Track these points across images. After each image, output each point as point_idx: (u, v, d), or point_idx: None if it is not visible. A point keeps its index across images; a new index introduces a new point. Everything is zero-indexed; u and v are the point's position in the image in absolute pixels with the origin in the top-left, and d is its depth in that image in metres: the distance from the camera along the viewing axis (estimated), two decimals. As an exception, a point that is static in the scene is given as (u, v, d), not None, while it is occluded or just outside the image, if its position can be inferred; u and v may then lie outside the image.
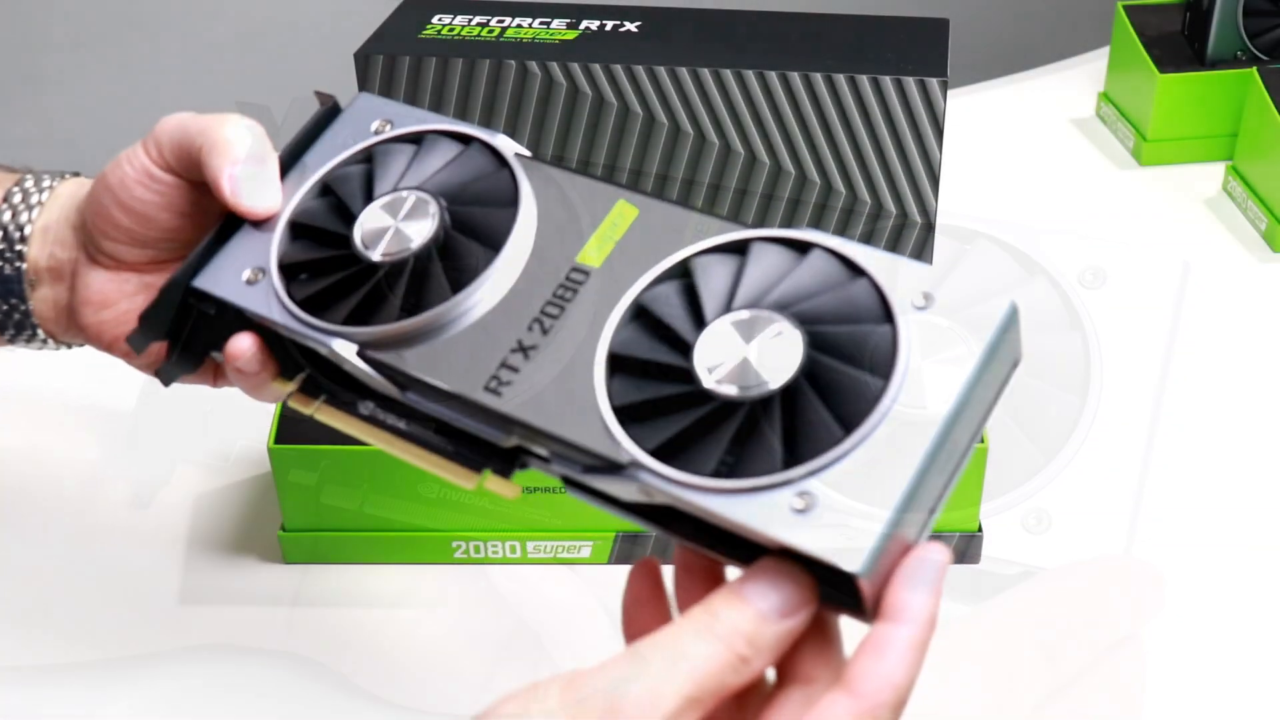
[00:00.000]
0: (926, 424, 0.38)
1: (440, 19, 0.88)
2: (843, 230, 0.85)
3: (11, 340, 0.56)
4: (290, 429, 0.68)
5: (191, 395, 0.84)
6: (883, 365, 0.39)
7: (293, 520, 0.70)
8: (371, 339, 0.45)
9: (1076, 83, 1.19)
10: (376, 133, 0.50)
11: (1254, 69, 0.99)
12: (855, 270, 0.41)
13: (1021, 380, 0.39)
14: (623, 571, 0.72)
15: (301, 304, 0.46)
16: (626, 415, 0.41)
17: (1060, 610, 0.68)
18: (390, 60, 0.83)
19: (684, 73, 0.81)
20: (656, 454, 0.40)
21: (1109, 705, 0.63)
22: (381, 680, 0.66)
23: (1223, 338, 0.88)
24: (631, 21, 0.87)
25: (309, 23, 1.67)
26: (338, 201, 0.48)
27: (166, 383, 0.52)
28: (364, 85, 0.84)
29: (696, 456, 0.39)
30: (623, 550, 0.70)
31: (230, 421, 0.81)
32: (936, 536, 0.69)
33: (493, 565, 0.71)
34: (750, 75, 0.81)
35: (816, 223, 0.85)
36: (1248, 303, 0.91)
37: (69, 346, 0.57)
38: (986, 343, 0.40)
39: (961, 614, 0.68)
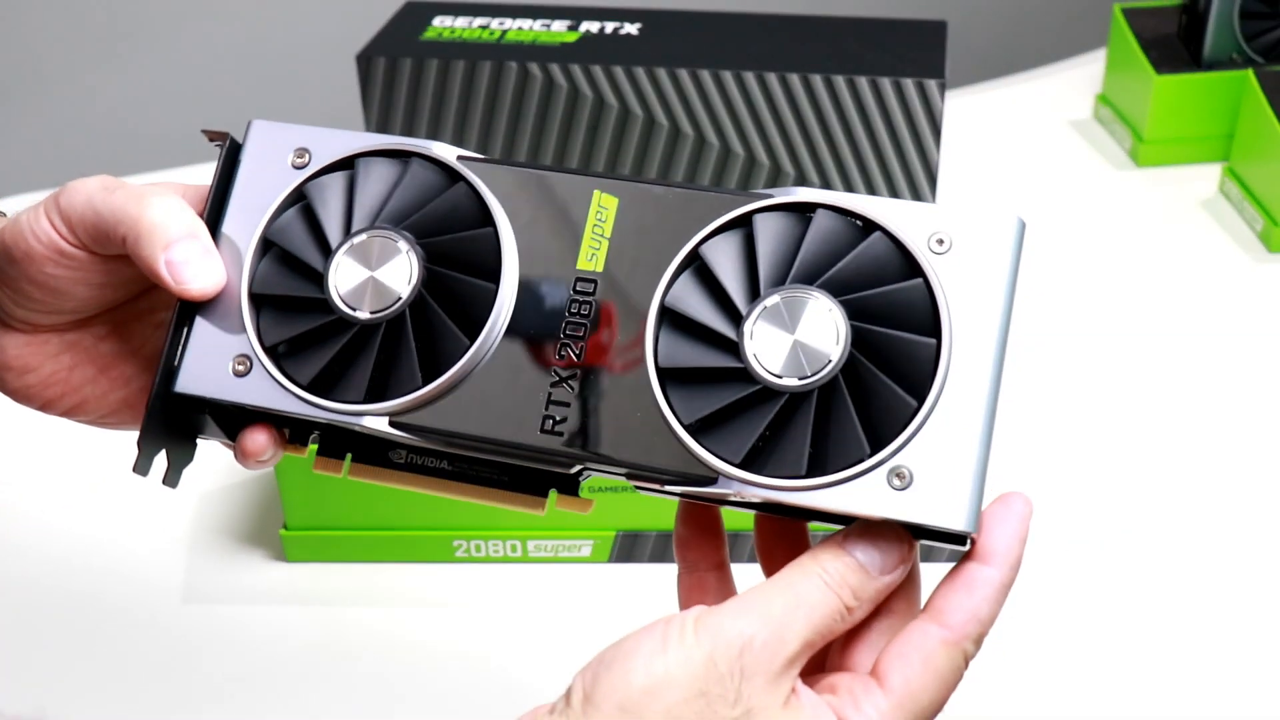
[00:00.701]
0: (983, 369, 0.40)
1: (441, 21, 0.88)
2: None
3: None
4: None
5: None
6: (927, 323, 0.40)
7: (295, 519, 0.71)
8: (400, 409, 0.42)
9: (1074, 84, 1.19)
10: (297, 166, 0.46)
11: (1250, 71, 0.99)
12: (863, 225, 0.41)
13: (876, 331, 0.40)
14: (623, 571, 0.72)
15: (309, 387, 0.43)
16: (699, 428, 0.40)
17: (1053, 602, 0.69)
18: (392, 62, 0.83)
19: (684, 74, 0.82)
20: (744, 463, 0.40)
21: (1110, 702, 0.64)
22: (382, 679, 0.66)
23: (1220, 338, 0.88)
24: (632, 24, 0.88)
25: (310, 26, 1.67)
26: (290, 258, 0.44)
27: (174, 485, 0.49)
28: (366, 88, 0.85)
29: (783, 456, 0.40)
30: (623, 549, 0.70)
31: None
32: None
33: (493, 564, 0.72)
34: (749, 77, 0.81)
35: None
36: (1244, 303, 0.91)
37: None
38: (1009, 270, 0.41)
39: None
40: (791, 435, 0.40)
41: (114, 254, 0.47)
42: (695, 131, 0.83)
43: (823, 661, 0.43)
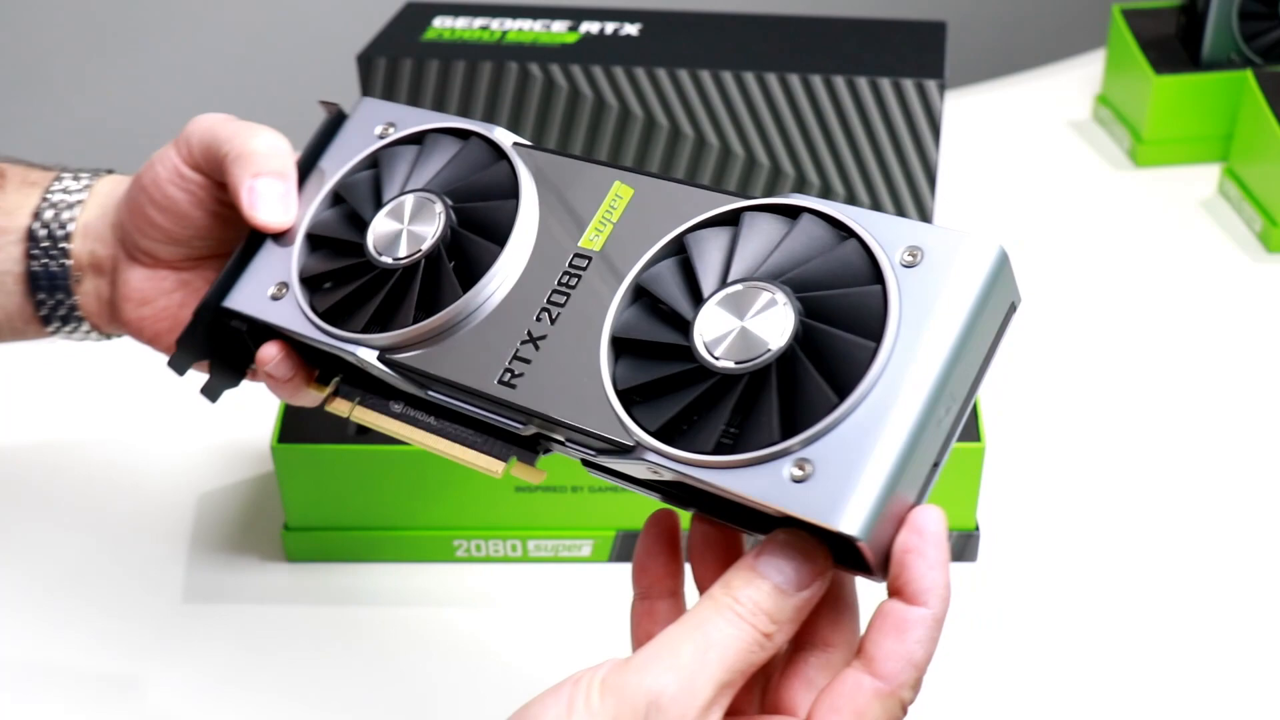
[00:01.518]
0: (920, 382, 0.38)
1: (442, 22, 0.88)
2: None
3: (56, 332, 0.58)
4: (293, 428, 0.69)
5: (194, 394, 0.84)
6: (874, 327, 0.39)
7: (295, 519, 0.71)
8: (390, 343, 0.46)
9: (1073, 85, 1.19)
10: (381, 137, 0.52)
11: (1249, 71, 0.99)
12: (844, 232, 0.42)
13: (821, 328, 0.39)
14: (623, 571, 0.72)
15: (323, 315, 0.48)
16: (631, 397, 0.42)
17: (1060, 607, 0.69)
18: (392, 63, 0.84)
19: (684, 75, 0.82)
20: (660, 434, 0.41)
21: (1110, 702, 0.64)
22: (382, 679, 0.66)
23: (1218, 339, 0.88)
24: (632, 24, 0.88)
25: (312, 26, 1.67)
26: (349, 210, 0.50)
27: (212, 399, 0.54)
28: (366, 88, 0.85)
29: (699, 433, 0.40)
30: (623, 549, 0.71)
31: (233, 420, 0.81)
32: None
33: (493, 564, 0.72)
34: (749, 77, 0.81)
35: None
36: (1243, 303, 0.92)
37: (110, 338, 0.59)
38: (974, 292, 0.39)
39: (961, 614, 0.68)
40: (712, 415, 0.40)
41: (222, 179, 0.52)
42: (695, 132, 0.84)
43: (760, 695, 0.42)
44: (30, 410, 0.84)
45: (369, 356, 0.47)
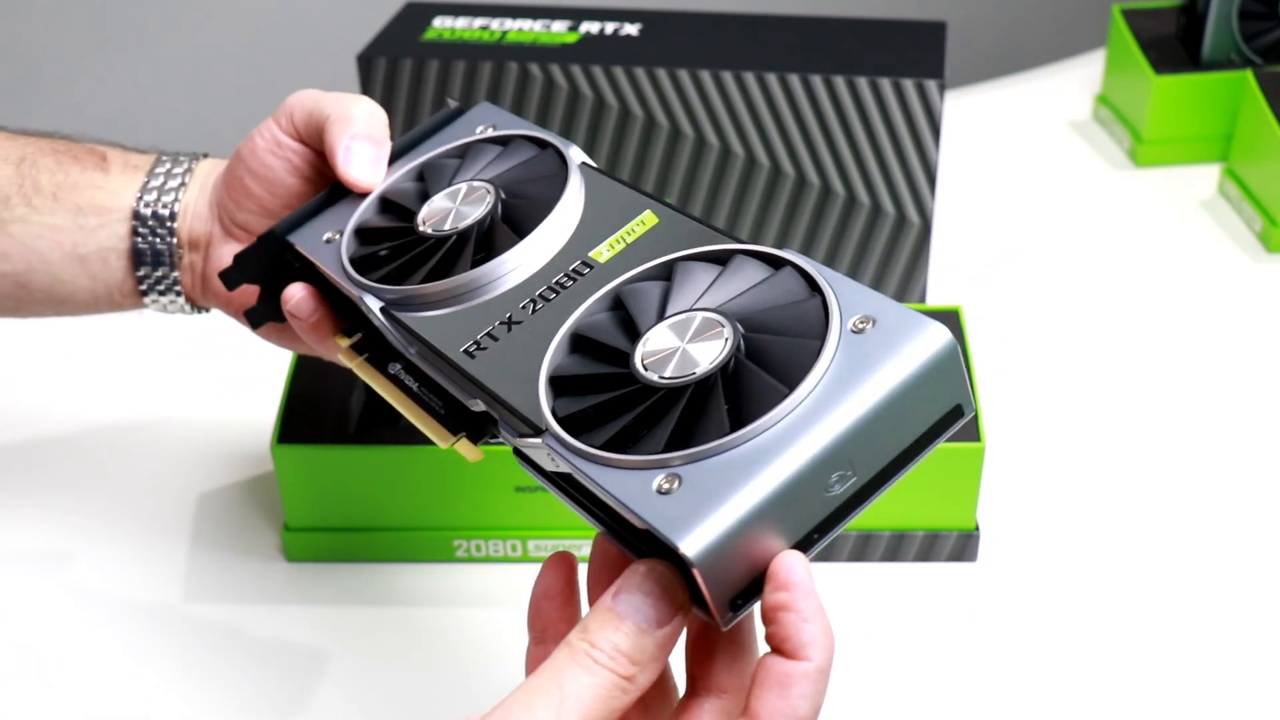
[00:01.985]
0: (816, 438, 0.38)
1: (442, 22, 0.88)
2: (841, 231, 0.85)
3: (152, 304, 0.63)
4: (293, 428, 0.69)
5: (194, 395, 0.84)
6: (796, 376, 0.39)
7: (295, 519, 0.71)
8: (395, 297, 0.50)
9: (1073, 85, 1.19)
10: (479, 134, 0.57)
11: (1249, 71, 0.99)
12: (815, 290, 0.42)
13: (747, 366, 0.40)
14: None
15: (354, 262, 0.52)
16: (562, 388, 0.44)
17: (1061, 607, 0.69)
18: (392, 63, 0.84)
19: (684, 75, 0.82)
20: (567, 422, 0.42)
21: (1110, 701, 0.64)
22: (382, 679, 0.66)
23: (1218, 339, 0.88)
24: (632, 24, 0.88)
25: (312, 26, 1.67)
26: (422, 186, 0.55)
27: (254, 325, 0.59)
28: (366, 88, 0.85)
29: (601, 431, 0.41)
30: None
31: (233, 421, 0.81)
32: (932, 534, 0.70)
33: (493, 564, 0.72)
34: (750, 78, 0.81)
35: (815, 224, 0.85)
36: (1243, 304, 0.92)
37: (201, 311, 0.64)
38: (907, 371, 0.39)
39: (960, 614, 0.68)
40: (617, 417, 0.41)
41: (319, 147, 0.57)
42: (695, 132, 0.84)
43: None
44: (30, 410, 0.84)
45: (374, 305, 0.50)
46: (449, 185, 0.53)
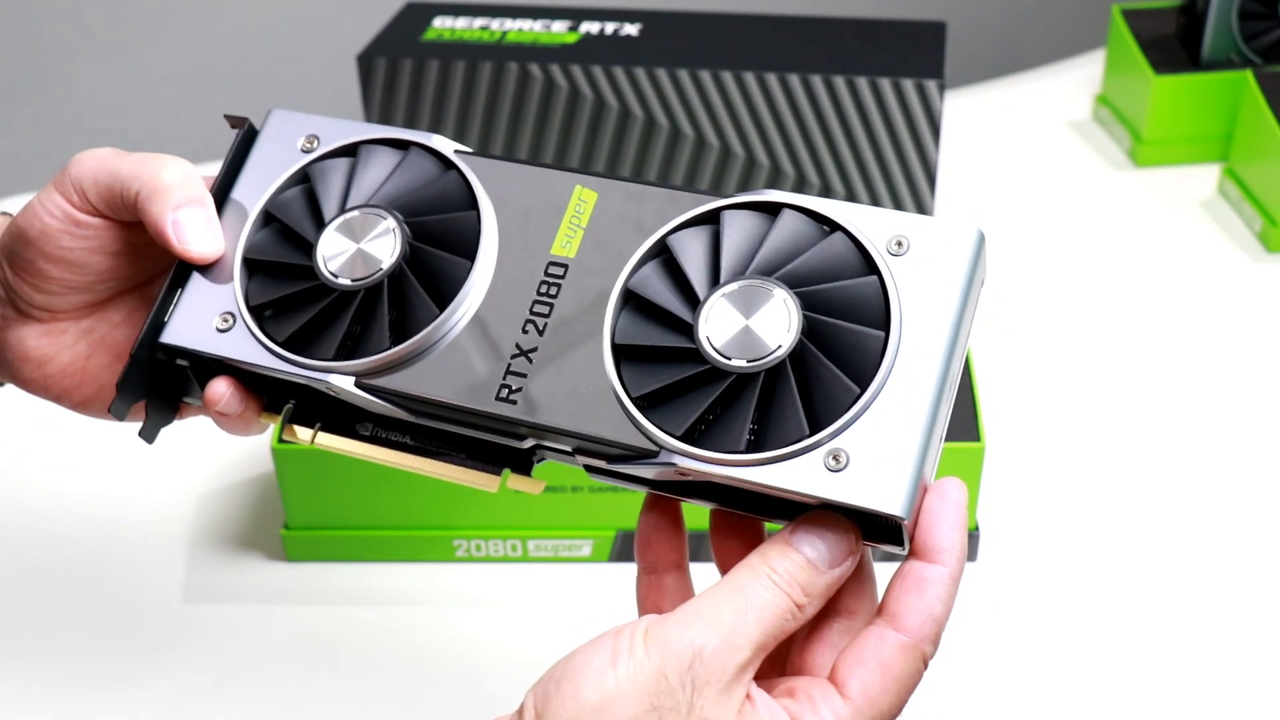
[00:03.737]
0: (930, 364, 0.40)
1: (442, 22, 0.88)
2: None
3: None
4: (293, 428, 0.69)
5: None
6: (878, 317, 0.41)
7: (295, 519, 0.71)
8: (365, 369, 0.45)
9: (1073, 85, 1.19)
10: (305, 150, 0.49)
11: (1249, 71, 0.99)
12: (826, 225, 0.43)
13: (828, 322, 0.41)
14: (623, 570, 0.72)
15: (284, 344, 0.46)
16: (646, 402, 0.42)
17: (1062, 602, 0.69)
18: (392, 63, 0.84)
19: (684, 75, 0.82)
20: (685, 436, 0.41)
21: (1110, 701, 0.64)
22: (383, 678, 0.66)
23: (1218, 339, 0.88)
24: (632, 24, 0.88)
25: (312, 26, 1.67)
26: (286, 229, 0.47)
27: (150, 440, 0.51)
28: (366, 88, 0.85)
29: (724, 433, 0.41)
30: (623, 549, 0.71)
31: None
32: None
33: (493, 564, 0.72)
34: (749, 78, 0.81)
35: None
36: (1243, 304, 0.92)
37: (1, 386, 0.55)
38: (964, 275, 0.41)
39: (960, 614, 0.68)
40: (734, 414, 0.41)
41: (126, 219, 0.49)
42: (695, 132, 0.84)
43: (783, 662, 0.43)
44: (30, 410, 0.84)
45: (345, 384, 0.45)
46: (319, 221, 0.47)
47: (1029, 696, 0.64)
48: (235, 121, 0.50)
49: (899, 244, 0.42)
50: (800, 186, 0.84)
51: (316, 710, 0.64)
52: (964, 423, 0.67)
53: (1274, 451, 0.78)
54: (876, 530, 0.41)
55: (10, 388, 0.54)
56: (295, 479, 0.69)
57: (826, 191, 0.84)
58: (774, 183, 0.85)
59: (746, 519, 0.44)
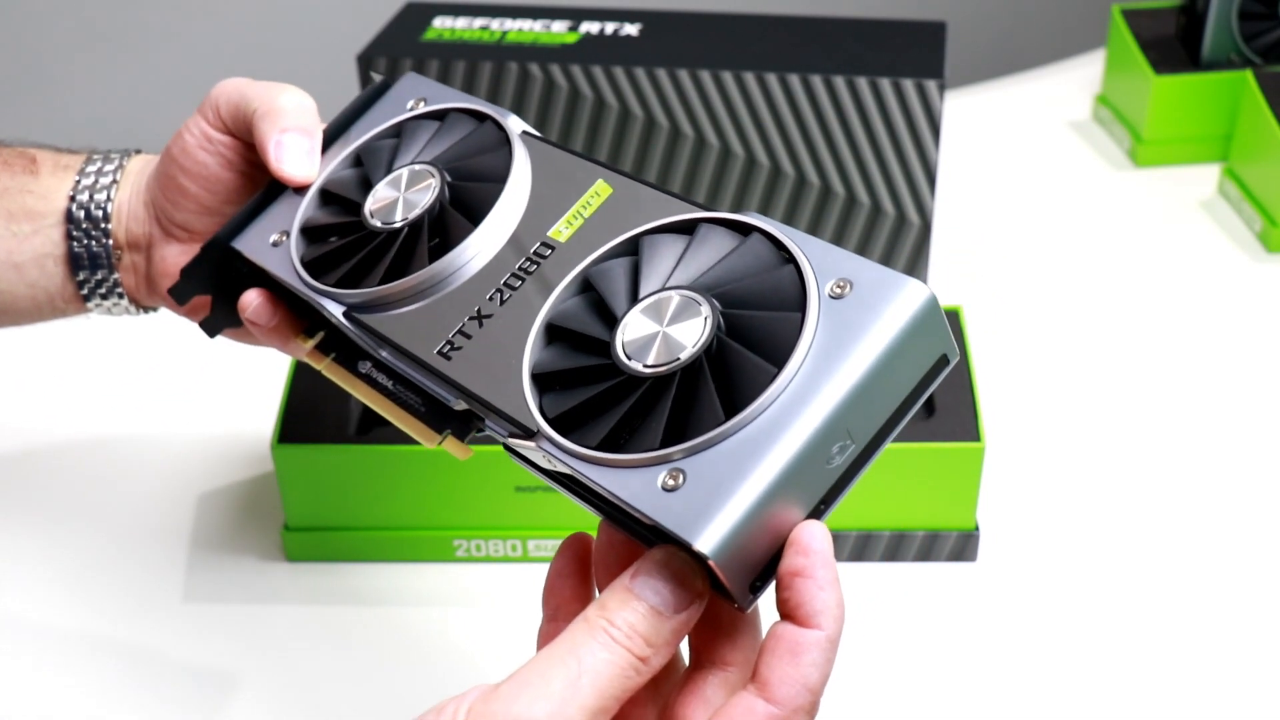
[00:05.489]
0: (813, 411, 0.37)
1: (442, 22, 0.88)
2: (841, 230, 0.85)
3: (96, 308, 0.60)
4: (293, 428, 0.69)
5: (194, 395, 0.84)
6: (782, 352, 0.39)
7: (295, 518, 0.71)
8: (357, 301, 0.48)
9: (1073, 85, 1.19)
10: (411, 109, 0.54)
11: (1249, 71, 0.99)
12: (786, 255, 0.41)
13: (732, 346, 0.39)
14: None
15: (307, 266, 0.50)
16: (546, 384, 0.42)
17: (1061, 606, 0.69)
18: (392, 63, 0.84)
19: (684, 75, 0.82)
20: (557, 422, 0.41)
21: (1110, 701, 0.64)
22: (383, 678, 0.66)
23: (1217, 339, 0.88)
24: (632, 24, 0.88)
25: (312, 26, 1.67)
26: (363, 173, 0.52)
27: (210, 334, 0.56)
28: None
29: (594, 428, 0.40)
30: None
31: (233, 420, 0.81)
32: (932, 534, 0.70)
33: (493, 564, 0.72)
34: (749, 78, 0.81)
35: (815, 223, 0.86)
36: (1242, 304, 0.92)
37: (147, 311, 0.61)
38: (893, 330, 0.38)
39: (960, 614, 0.68)
40: (612, 411, 0.40)
41: (249, 138, 0.54)
42: (695, 132, 0.84)
43: (657, 705, 0.42)
44: (30, 410, 0.84)
45: (335, 310, 0.48)
46: (389, 170, 0.51)
47: (1028, 696, 0.64)
48: (377, 78, 0.56)
49: (840, 287, 0.39)
50: (800, 186, 0.84)
51: (316, 710, 0.64)
52: (964, 423, 0.68)
53: (1274, 451, 0.78)
54: (718, 580, 0.38)
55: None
56: (295, 479, 0.69)
57: (826, 192, 0.84)
58: (773, 183, 0.85)
59: (629, 544, 0.43)
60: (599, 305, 0.43)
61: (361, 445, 0.68)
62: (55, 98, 1.67)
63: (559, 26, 0.87)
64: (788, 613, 0.38)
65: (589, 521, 0.71)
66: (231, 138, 0.55)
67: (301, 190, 0.53)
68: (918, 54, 0.83)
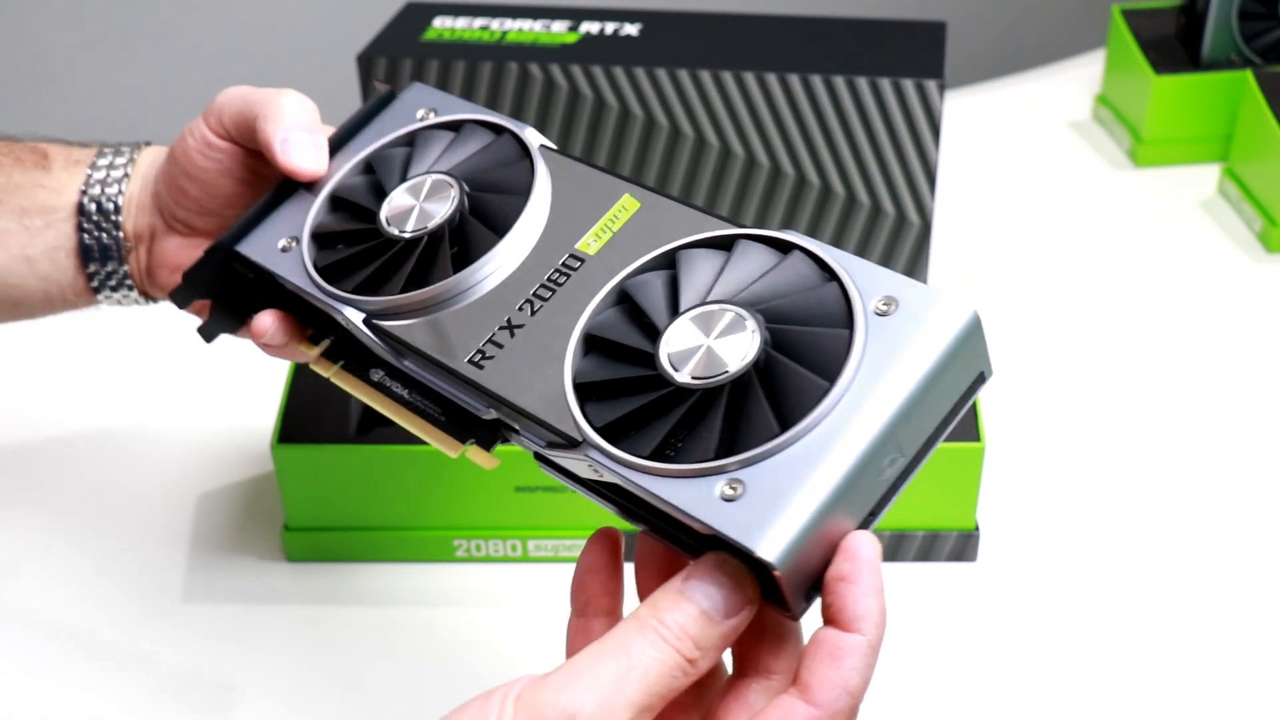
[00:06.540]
0: (866, 425, 0.39)
1: (442, 22, 0.88)
2: (841, 231, 0.85)
3: (106, 298, 0.61)
4: (293, 428, 0.69)
5: (194, 395, 0.84)
6: (833, 367, 0.40)
7: (295, 519, 0.71)
8: (378, 309, 0.48)
9: (1073, 85, 1.19)
10: (421, 119, 0.54)
11: (1249, 71, 0.99)
12: (829, 274, 0.42)
13: (781, 360, 0.40)
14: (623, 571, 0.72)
15: (322, 272, 0.50)
16: (587, 393, 0.42)
17: (1061, 607, 0.69)
18: (392, 63, 0.84)
19: (684, 75, 0.82)
20: (605, 431, 0.41)
21: (1109, 701, 0.64)
22: (383, 678, 0.66)
23: (1217, 339, 0.88)
24: (632, 24, 0.88)
25: (312, 26, 1.67)
26: (375, 180, 0.52)
27: (207, 339, 0.56)
28: (366, 88, 0.85)
29: (643, 438, 0.41)
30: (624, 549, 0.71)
31: (233, 420, 0.81)
32: (932, 534, 0.70)
33: (493, 564, 0.72)
34: (750, 78, 0.81)
35: (815, 224, 0.85)
36: (1242, 304, 0.92)
37: (154, 302, 0.62)
38: (940, 348, 0.40)
39: (960, 614, 0.69)
40: (659, 423, 0.41)
41: (251, 145, 0.55)
42: (695, 132, 0.84)
43: (699, 712, 0.42)
44: (30, 411, 0.84)
45: (355, 318, 0.48)
46: (403, 178, 0.51)
47: (1029, 696, 0.64)
48: (382, 87, 0.56)
49: (887, 304, 0.41)
50: (800, 186, 0.84)
51: (316, 710, 0.64)
52: (964, 423, 0.68)
53: (1274, 451, 0.78)
54: (772, 588, 0.39)
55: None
56: (295, 479, 0.69)
57: (826, 192, 0.84)
58: (773, 183, 0.85)
59: (670, 558, 0.43)
60: (639, 317, 0.43)
61: (361, 445, 0.68)
62: (56, 96, 1.67)
63: (559, 26, 0.87)
64: (830, 617, 0.38)
65: (590, 522, 0.71)
66: (233, 144, 0.56)
67: (308, 196, 0.53)
68: (918, 54, 0.83)
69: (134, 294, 0.60)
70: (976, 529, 0.70)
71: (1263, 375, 0.85)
